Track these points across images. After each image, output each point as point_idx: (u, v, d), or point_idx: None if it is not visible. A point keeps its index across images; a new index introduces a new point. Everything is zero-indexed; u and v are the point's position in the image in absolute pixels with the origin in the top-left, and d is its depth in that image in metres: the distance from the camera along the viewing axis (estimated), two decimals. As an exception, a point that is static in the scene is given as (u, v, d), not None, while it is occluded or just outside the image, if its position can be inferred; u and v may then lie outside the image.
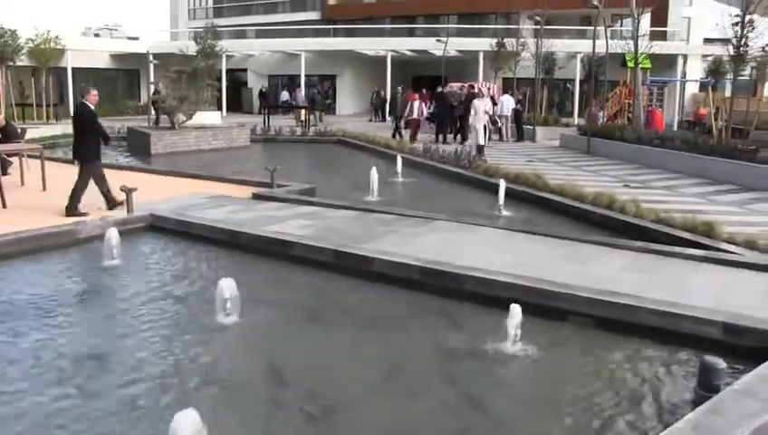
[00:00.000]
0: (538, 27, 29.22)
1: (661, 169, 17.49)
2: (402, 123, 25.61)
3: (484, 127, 19.49)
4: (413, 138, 23.45)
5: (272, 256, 8.34)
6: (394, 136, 24.18)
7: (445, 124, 25.41)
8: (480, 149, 18.95)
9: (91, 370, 5.11)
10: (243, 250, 8.64)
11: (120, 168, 15.64)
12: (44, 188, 12.32)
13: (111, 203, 10.42)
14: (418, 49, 40.73)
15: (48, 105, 29.95)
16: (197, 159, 18.76)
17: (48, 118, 29.24)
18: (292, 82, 42.58)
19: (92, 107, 10.52)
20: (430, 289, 6.98)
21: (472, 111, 19.73)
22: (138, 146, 21.38)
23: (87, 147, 10.44)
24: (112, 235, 7.97)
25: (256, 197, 11.87)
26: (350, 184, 14.30)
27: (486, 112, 19.94)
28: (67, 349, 5.49)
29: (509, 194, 11.81)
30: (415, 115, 24.41)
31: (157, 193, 11.31)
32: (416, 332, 6.11)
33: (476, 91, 25.90)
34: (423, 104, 25.46)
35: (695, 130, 25.09)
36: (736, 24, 16.67)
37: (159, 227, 9.71)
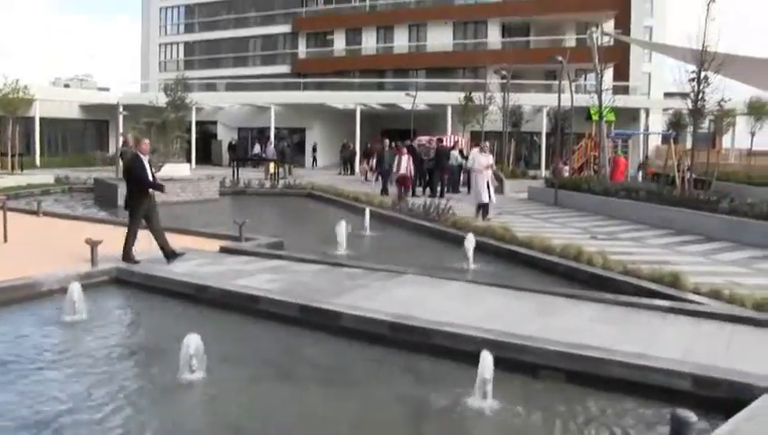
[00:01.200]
0: (504, 81, 29.79)
1: (627, 220, 17.70)
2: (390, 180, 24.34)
3: (488, 184, 17.45)
4: (401, 197, 20.25)
5: (239, 310, 8.22)
6: (383, 193, 22.93)
7: (414, 177, 25.52)
8: (484, 209, 17.30)
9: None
10: (209, 305, 8.50)
11: (86, 219, 15.40)
12: (6, 240, 12.03)
13: (168, 254, 10.43)
14: (387, 102, 41.22)
15: (13, 155, 29.64)
16: (165, 212, 18.45)
17: (13, 168, 28.92)
18: (261, 134, 42.71)
19: (145, 156, 10.63)
20: (400, 344, 6.91)
21: (470, 164, 19.27)
22: (105, 197, 21.16)
23: (134, 196, 10.53)
24: (74, 289, 7.80)
25: (224, 250, 11.75)
26: (319, 237, 14.23)
27: (490, 167, 18.11)
28: (14, 413, 5.19)
29: (478, 247, 11.81)
30: (403, 171, 21.42)
31: (122, 246, 11.13)
32: (383, 389, 6.01)
33: (447, 144, 26.25)
34: (411, 160, 22.91)
35: (658, 181, 25.60)
36: (693, 79, 17.16)
37: (124, 280, 9.56)
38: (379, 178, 26.54)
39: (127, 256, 10.13)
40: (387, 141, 27.42)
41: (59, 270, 9.27)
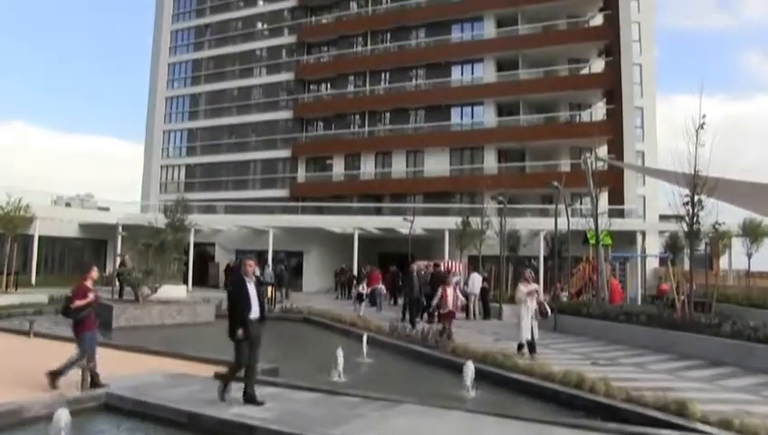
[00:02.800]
0: (501, 206, 30.14)
1: (628, 345, 17.46)
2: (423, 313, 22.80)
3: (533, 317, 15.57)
4: (445, 333, 17.04)
5: (232, 440, 7.91)
6: (413, 325, 19.97)
7: (412, 303, 25.31)
8: (530, 347, 15.30)
9: None
10: (203, 433, 8.19)
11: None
12: (-6, 363, 11.79)
13: (248, 398, 9.37)
14: (385, 227, 41.59)
15: (9, 273, 29.56)
16: (160, 335, 18.32)
17: (7, 286, 28.77)
18: (259, 258, 42.79)
19: (249, 278, 9.76)
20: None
21: (469, 289, 18.27)
22: (100, 318, 20.74)
23: (236, 325, 9.44)
24: (62, 415, 7.50)
25: (219, 376, 11.44)
26: (316, 364, 13.93)
27: (534, 295, 15.82)
28: None
29: (477, 374, 11.56)
30: (450, 306, 18.00)
31: (114, 369, 10.87)
32: None
33: (443, 270, 26.20)
34: (458, 290, 20.02)
35: (657, 304, 25.46)
36: (687, 203, 17.42)
37: (115, 406, 9.26)
38: (359, 303, 26.06)
39: (223, 391, 9.37)
40: (417, 264, 27.17)
41: (46, 395, 9.01)
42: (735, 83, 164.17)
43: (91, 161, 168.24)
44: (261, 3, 59.42)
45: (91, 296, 10.43)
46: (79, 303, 10.26)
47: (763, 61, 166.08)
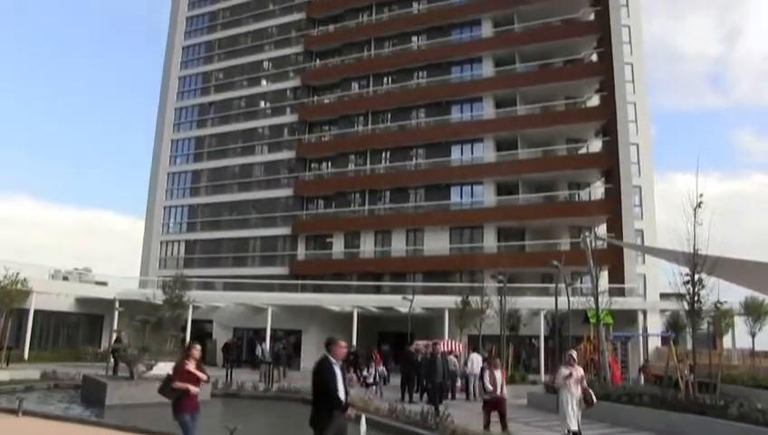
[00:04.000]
0: (501, 285, 30.00)
1: (632, 427, 17.06)
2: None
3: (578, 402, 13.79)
4: (487, 427, 15.30)
5: None
6: (437, 412, 16.67)
7: (411, 383, 24.95)
8: None
9: None
10: None
11: (70, 420, 14.75)
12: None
13: None
14: (385, 306, 41.31)
15: (1, 348, 29.17)
16: (155, 413, 17.83)
17: (-1, 361, 28.41)
18: (257, 335, 42.38)
19: (337, 363, 8.53)
20: None
21: (468, 369, 17.08)
22: (92, 396, 20.42)
23: (323, 413, 8.32)
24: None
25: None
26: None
27: (578, 382, 13.82)
28: None
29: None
30: (499, 391, 15.41)
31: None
32: None
33: (444, 349, 25.89)
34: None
35: (660, 384, 25.00)
36: (687, 282, 17.33)
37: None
38: (374, 387, 25.56)
39: None
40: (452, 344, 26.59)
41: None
42: (731, 161, 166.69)
43: (91, 235, 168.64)
44: (264, 82, 60.70)
45: (190, 385, 10.15)
46: (179, 385, 10.05)
47: (755, 139, 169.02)
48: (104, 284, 48.47)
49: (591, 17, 49.18)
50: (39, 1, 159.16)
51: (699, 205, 17.10)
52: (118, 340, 26.96)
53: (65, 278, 44.24)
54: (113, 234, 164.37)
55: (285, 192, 56.07)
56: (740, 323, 33.44)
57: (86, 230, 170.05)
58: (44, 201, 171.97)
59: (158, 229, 61.15)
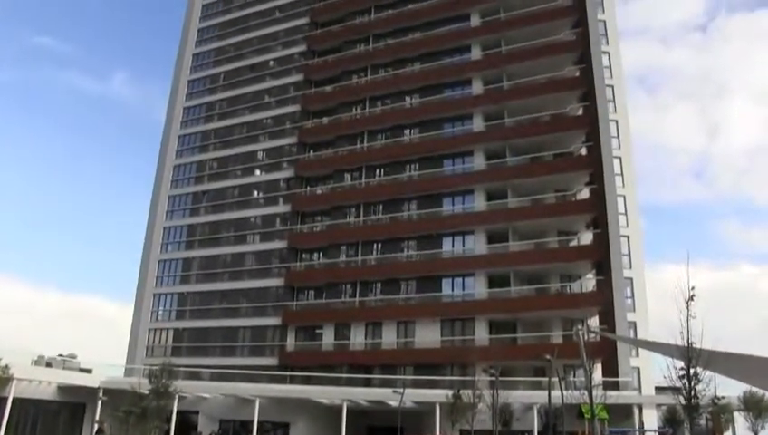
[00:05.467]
0: (493, 379, 29.55)
1: None
2: None
3: None
4: None
5: None
6: None
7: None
8: None
9: None
10: None
11: None
12: None
13: None
14: (375, 399, 40.49)
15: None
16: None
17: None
18: (243, 428, 41.31)
19: None
20: None
21: None
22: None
23: None
24: None
25: None
26: None
27: None
28: None
29: None
30: None
31: None
32: None
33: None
34: None
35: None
36: (683, 377, 17.10)
37: None
38: None
39: None
40: None
41: None
42: (720, 251, 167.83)
43: (77, 320, 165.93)
44: (258, 172, 61.34)
45: None
46: None
47: (741, 229, 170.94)
48: (89, 371, 47.37)
49: (580, 112, 50.35)
50: (33, 83, 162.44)
51: (692, 298, 17.06)
52: (100, 431, 26.19)
53: (48, 365, 43.17)
54: (101, 319, 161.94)
55: (276, 282, 55.74)
56: (740, 419, 32.75)
57: (73, 315, 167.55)
58: (31, 284, 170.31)
59: (146, 316, 60.40)
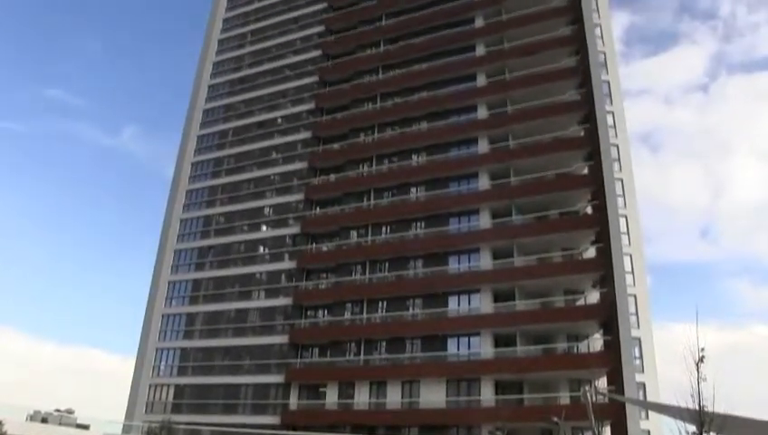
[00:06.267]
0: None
1: None
2: None
3: None
4: None
5: None
6: None
7: None
8: None
9: None
10: None
11: None
12: None
13: None
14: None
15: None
16: None
17: None
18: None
19: None
20: None
21: None
22: None
23: None
24: None
25: None
26: None
27: None
28: None
29: None
30: None
31: None
32: None
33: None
34: None
35: None
36: (696, 443, 16.67)
37: None
38: None
39: None
40: None
41: None
42: (729, 311, 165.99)
43: (77, 373, 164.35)
44: (264, 228, 61.50)
45: None
46: None
47: (751, 288, 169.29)
48: (86, 427, 46.50)
49: (585, 171, 50.52)
50: (44, 134, 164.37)
51: (702, 359, 16.73)
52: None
53: (44, 420, 42.44)
54: (101, 373, 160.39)
55: (280, 339, 55.20)
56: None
57: (73, 368, 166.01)
58: (30, 336, 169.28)
59: (147, 371, 59.79)
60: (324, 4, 69.58)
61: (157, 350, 60.81)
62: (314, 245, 58.51)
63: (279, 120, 66.10)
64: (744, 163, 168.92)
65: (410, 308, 51.66)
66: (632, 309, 51.00)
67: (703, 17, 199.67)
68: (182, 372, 58.80)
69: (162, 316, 61.93)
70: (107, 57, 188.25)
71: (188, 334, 60.13)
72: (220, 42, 75.94)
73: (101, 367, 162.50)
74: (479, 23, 59.44)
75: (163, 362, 60.46)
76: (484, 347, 47.75)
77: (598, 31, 59.75)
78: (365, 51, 64.73)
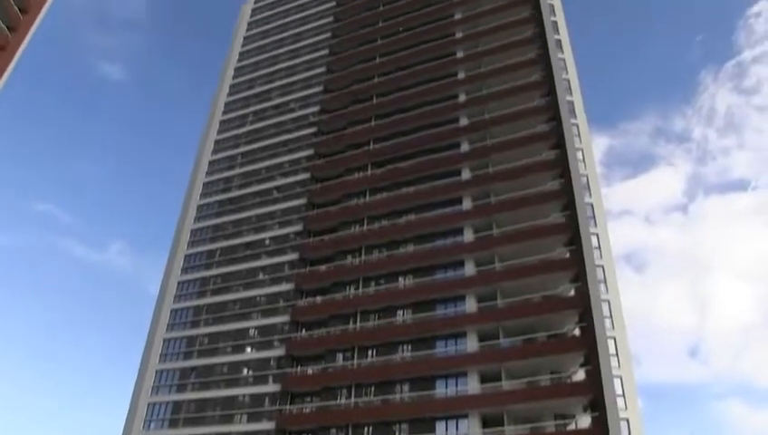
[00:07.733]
0: None
1: None
2: None
3: None
4: None
5: None
6: None
7: None
8: None
9: None
10: None
11: None
12: None
13: None
14: None
15: None
16: None
17: None
18: None
19: None
20: None
21: None
22: None
23: None
24: None
25: None
26: None
27: None
28: None
29: None
30: None
31: None
32: None
33: None
34: None
35: None
36: None
37: None
38: None
39: None
40: None
41: None
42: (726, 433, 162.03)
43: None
44: (249, 349, 60.42)
45: None
46: None
47: (743, 410, 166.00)
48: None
49: (572, 293, 50.68)
50: (32, 248, 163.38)
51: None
52: None
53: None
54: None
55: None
56: None
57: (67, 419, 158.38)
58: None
59: (138, 424, 58.66)
60: (314, 129, 71.67)
61: (148, 404, 59.14)
62: (299, 367, 57.45)
63: (267, 241, 66.46)
64: (727, 284, 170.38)
65: (396, 433, 50.30)
66: (625, 433, 50.00)
67: (677, 140, 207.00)
68: (173, 424, 57.52)
69: (148, 405, 59.95)
70: (96, 174, 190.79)
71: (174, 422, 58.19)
72: (211, 163, 77.40)
73: (91, 420, 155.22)
74: (465, 147, 61.20)
75: (154, 416, 58.73)
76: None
77: (580, 154, 61.66)
78: (353, 174, 66.13)
